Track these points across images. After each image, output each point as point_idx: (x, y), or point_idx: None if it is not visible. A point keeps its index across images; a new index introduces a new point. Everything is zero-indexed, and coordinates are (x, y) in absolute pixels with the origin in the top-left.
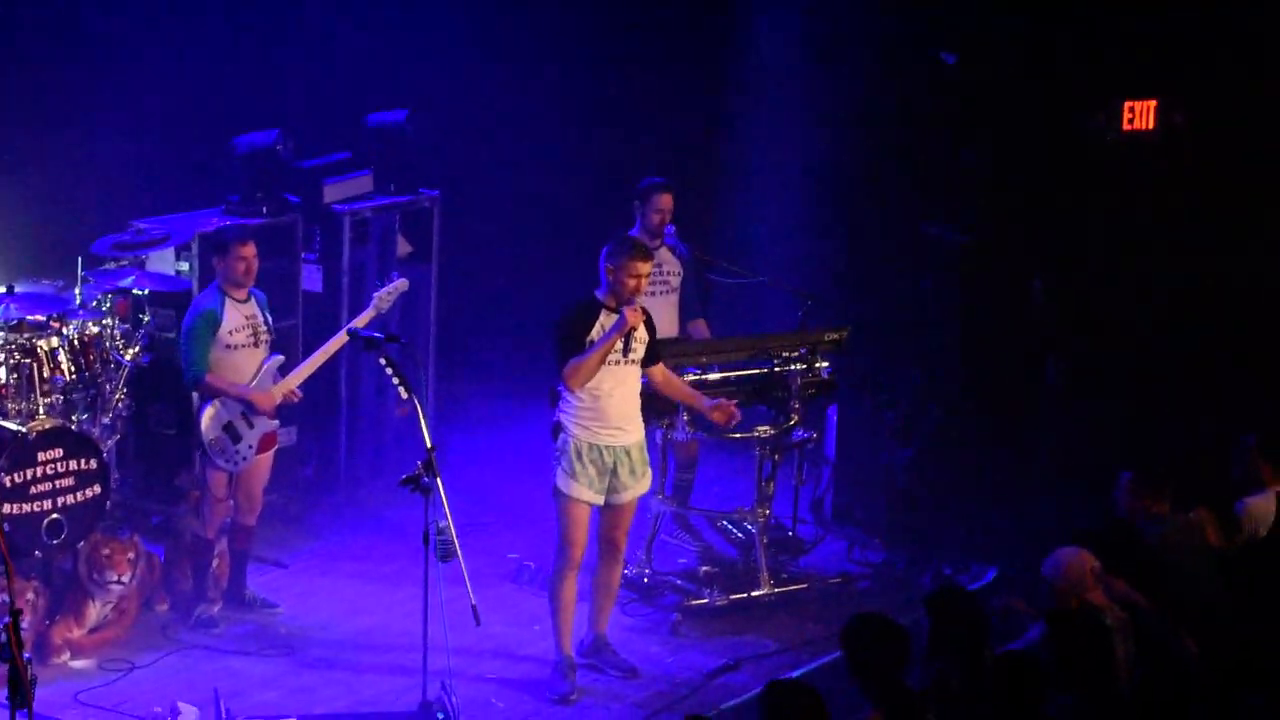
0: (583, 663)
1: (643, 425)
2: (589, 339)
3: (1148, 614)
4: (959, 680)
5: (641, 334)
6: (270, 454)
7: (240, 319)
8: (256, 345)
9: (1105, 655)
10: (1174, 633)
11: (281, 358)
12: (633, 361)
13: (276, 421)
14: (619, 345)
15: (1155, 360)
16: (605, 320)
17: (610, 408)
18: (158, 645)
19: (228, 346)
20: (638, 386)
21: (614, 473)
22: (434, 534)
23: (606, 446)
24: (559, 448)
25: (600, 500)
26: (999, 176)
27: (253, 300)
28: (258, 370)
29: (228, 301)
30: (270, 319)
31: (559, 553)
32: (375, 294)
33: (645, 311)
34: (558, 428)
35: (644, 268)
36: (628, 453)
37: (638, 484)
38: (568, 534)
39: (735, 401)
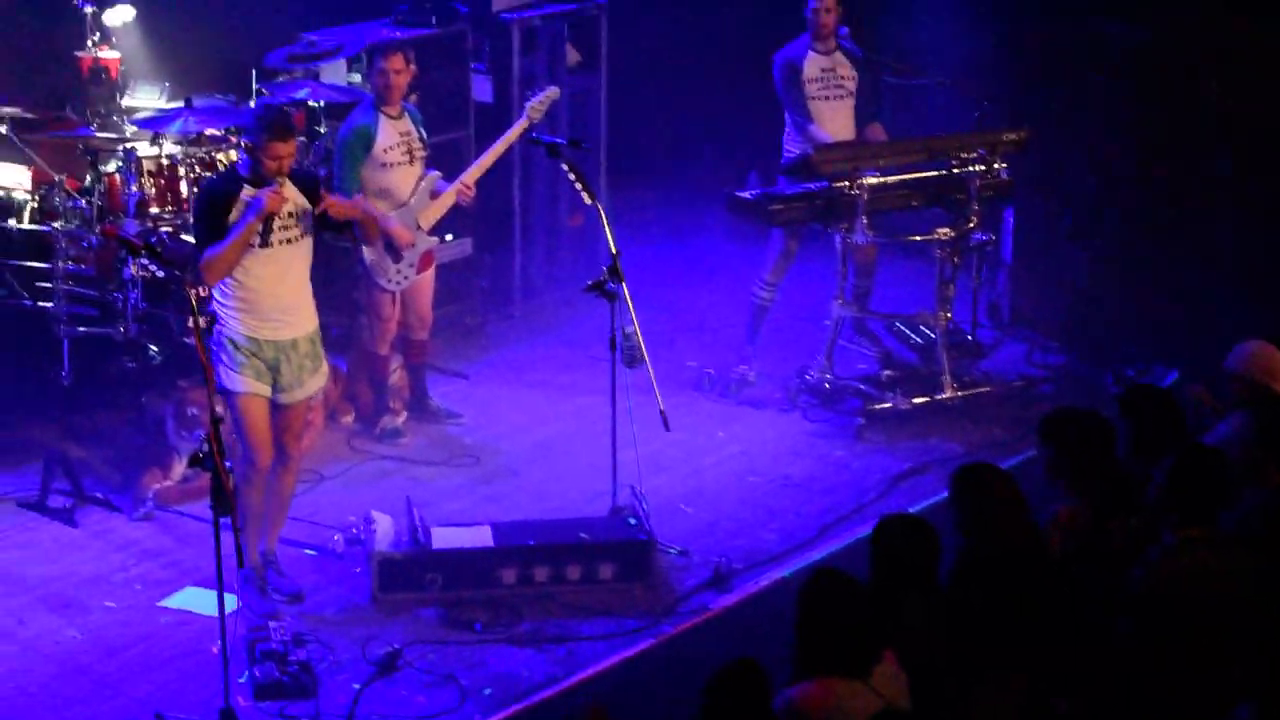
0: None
1: (314, 314)
2: (230, 221)
3: None
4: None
5: (292, 208)
6: (431, 271)
7: (394, 135)
8: (411, 162)
9: None
10: None
11: (438, 173)
12: (288, 242)
13: (435, 239)
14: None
15: None
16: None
17: (262, 298)
18: (344, 456)
19: (383, 165)
20: (302, 270)
21: (277, 370)
22: (620, 339)
23: (266, 340)
24: (213, 340)
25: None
26: None
27: (406, 115)
28: (414, 187)
29: (381, 118)
30: (425, 133)
31: (241, 458)
32: (526, 104)
33: (305, 184)
34: (212, 317)
35: (284, 149)
36: (294, 346)
37: (308, 383)
38: (246, 435)
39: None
